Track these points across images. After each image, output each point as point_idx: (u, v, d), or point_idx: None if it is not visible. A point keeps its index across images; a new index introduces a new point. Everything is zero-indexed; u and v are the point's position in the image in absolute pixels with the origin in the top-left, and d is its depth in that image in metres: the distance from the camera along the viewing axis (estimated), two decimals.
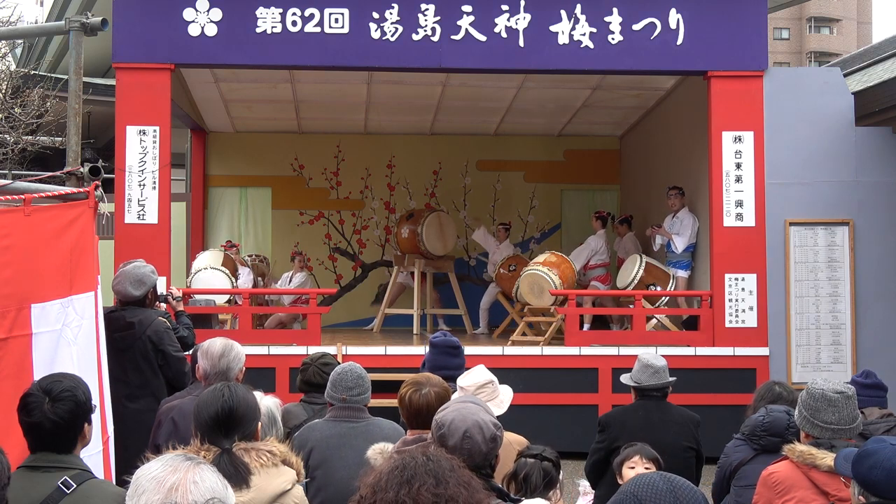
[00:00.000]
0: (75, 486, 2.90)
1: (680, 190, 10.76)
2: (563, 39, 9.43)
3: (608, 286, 11.58)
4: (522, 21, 9.39)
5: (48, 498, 2.87)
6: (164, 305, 6.16)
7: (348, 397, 4.30)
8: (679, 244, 10.54)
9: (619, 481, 4.55)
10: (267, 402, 3.85)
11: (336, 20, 9.29)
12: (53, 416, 3.00)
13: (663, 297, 10.26)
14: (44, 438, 3.01)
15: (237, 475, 2.98)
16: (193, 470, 1.96)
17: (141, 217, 9.10)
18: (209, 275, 10.73)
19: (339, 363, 4.97)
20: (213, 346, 4.28)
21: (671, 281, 10.39)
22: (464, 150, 14.30)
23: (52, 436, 3.00)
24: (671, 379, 5.23)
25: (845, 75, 10.60)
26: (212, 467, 2.00)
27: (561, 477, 3.93)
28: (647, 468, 4.42)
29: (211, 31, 9.22)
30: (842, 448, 3.53)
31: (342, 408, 4.30)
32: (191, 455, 2.07)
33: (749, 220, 9.46)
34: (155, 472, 1.95)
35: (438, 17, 9.34)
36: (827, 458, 3.53)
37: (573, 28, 9.43)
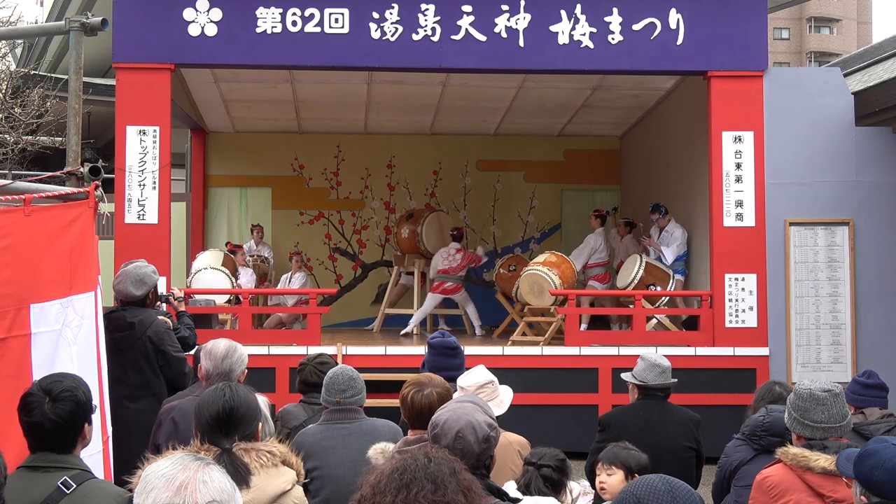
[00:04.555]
0: (75, 486, 2.90)
1: (659, 208, 10.83)
2: (563, 39, 9.43)
3: (606, 285, 11.59)
4: (522, 21, 9.38)
5: (48, 498, 2.86)
6: (164, 306, 6.15)
7: (342, 400, 4.29)
8: (669, 256, 10.59)
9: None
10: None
11: (336, 20, 9.29)
12: (54, 416, 3.00)
13: (663, 297, 10.26)
14: (44, 438, 3.01)
15: (237, 475, 2.97)
16: (203, 470, 1.96)
17: (141, 217, 9.09)
18: (209, 275, 10.73)
19: (335, 363, 4.97)
20: (216, 346, 4.28)
21: (671, 281, 10.39)
22: (464, 150, 14.30)
23: (52, 436, 3.00)
24: (674, 380, 5.24)
25: (845, 75, 10.60)
26: (221, 468, 2.00)
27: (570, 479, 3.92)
28: (609, 475, 4.29)
29: (211, 31, 9.21)
30: (834, 447, 3.53)
31: (335, 410, 4.30)
32: (200, 455, 2.07)
33: (749, 220, 9.46)
34: (165, 470, 1.95)
35: (438, 17, 9.33)
36: (820, 460, 3.53)
37: (573, 28, 9.42)
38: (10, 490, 2.70)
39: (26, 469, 2.97)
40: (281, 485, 3.18)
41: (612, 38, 9.44)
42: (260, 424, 3.34)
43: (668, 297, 10.32)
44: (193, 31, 9.20)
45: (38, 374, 4.00)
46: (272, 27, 9.25)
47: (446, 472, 2.20)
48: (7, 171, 14.25)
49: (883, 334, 9.54)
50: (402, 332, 11.68)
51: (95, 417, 4.52)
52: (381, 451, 3.63)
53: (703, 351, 9.41)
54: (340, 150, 14.29)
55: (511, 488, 3.62)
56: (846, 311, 9.56)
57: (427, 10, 9.33)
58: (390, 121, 13.57)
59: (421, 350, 8.57)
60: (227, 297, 10.70)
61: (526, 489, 3.73)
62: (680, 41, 9.47)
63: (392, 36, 9.32)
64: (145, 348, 5.50)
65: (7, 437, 3.36)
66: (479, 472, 2.89)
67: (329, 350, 8.87)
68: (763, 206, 9.47)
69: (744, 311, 9.41)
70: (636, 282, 10.24)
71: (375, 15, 9.31)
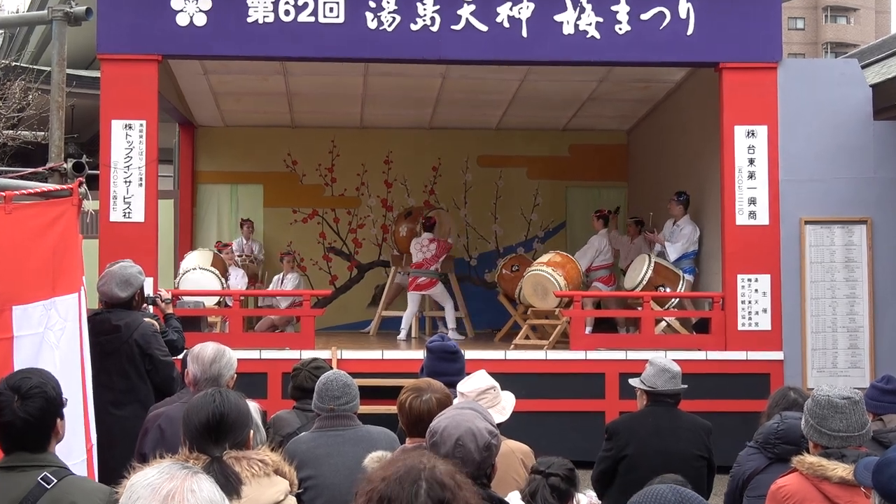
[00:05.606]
0: (56, 481, 2.96)
1: (680, 196, 10.78)
2: (568, 30, 9.43)
3: (612, 287, 11.59)
4: (525, 10, 9.38)
5: (29, 494, 2.92)
6: (151, 308, 6.16)
7: (336, 407, 4.29)
8: (671, 253, 10.54)
9: None
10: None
11: (331, 9, 9.29)
12: (24, 413, 3.04)
13: (673, 299, 10.26)
14: (16, 438, 3.06)
15: (228, 485, 2.98)
16: (191, 479, 1.97)
17: (127, 215, 9.09)
18: (198, 275, 10.74)
19: (330, 368, 4.97)
20: (204, 350, 4.28)
21: (681, 282, 10.37)
22: (464, 145, 14.30)
23: (23, 434, 3.05)
24: (684, 386, 5.24)
25: (863, 67, 10.59)
26: (209, 477, 2.01)
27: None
28: None
29: (200, 20, 9.21)
30: (852, 456, 3.53)
31: (329, 417, 4.30)
32: (188, 464, 2.08)
33: (763, 219, 9.46)
34: (151, 478, 1.96)
35: (438, 7, 9.33)
36: (838, 470, 3.53)
37: (578, 18, 9.42)
38: None
39: (3, 470, 3.03)
40: (273, 495, 3.18)
41: (620, 29, 9.44)
42: (251, 432, 3.34)
43: (678, 299, 10.31)
44: (182, 20, 9.20)
45: None
46: (264, 17, 9.25)
47: (450, 485, 2.21)
48: None
49: None
50: (398, 337, 11.68)
51: (79, 425, 4.53)
52: (377, 460, 3.62)
53: (714, 355, 9.41)
54: (335, 146, 14.28)
55: (515, 499, 3.63)
56: (864, 314, 9.55)
57: None
58: (387, 114, 13.57)
59: (419, 354, 8.58)
60: (216, 298, 10.70)
61: (531, 498, 3.73)
62: (690, 31, 9.47)
63: (389, 26, 9.31)
64: (131, 352, 5.50)
65: None
66: (479, 481, 2.89)
67: (323, 354, 8.86)
68: (777, 204, 9.47)
69: (757, 313, 9.41)
70: (645, 283, 10.23)
71: (372, 4, 9.30)
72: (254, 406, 3.91)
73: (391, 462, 2.28)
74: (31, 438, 3.06)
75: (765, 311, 9.41)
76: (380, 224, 14.35)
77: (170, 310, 6.33)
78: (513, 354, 9.64)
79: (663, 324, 10.21)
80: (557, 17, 9.43)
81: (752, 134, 9.51)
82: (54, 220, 4.72)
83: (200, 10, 9.21)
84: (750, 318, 9.42)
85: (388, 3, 9.30)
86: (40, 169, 5.39)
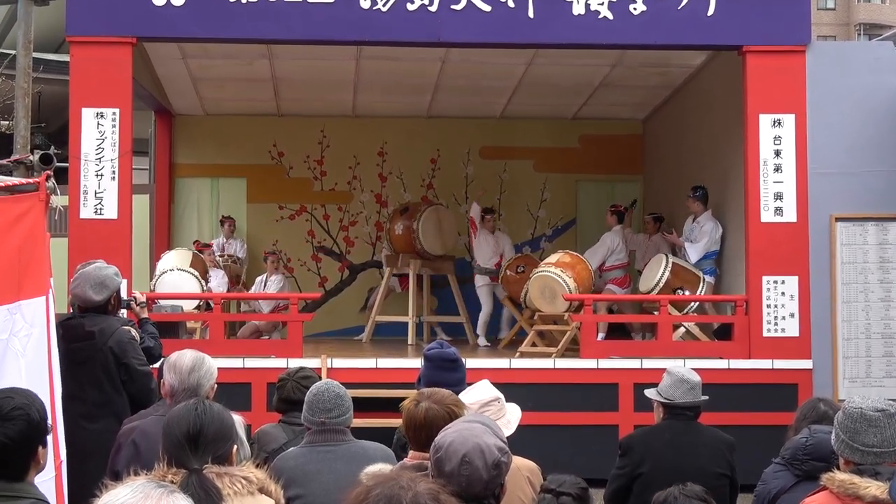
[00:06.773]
0: None
1: (696, 191, 10.77)
2: (578, 10, 9.43)
3: (627, 290, 11.59)
4: None
5: None
6: (125, 312, 6.16)
7: (327, 420, 4.29)
8: (692, 254, 10.52)
9: None
10: None
11: None
12: (3, 437, 3.01)
13: (692, 303, 10.26)
14: None
15: (208, 499, 2.99)
16: (167, 498, 1.98)
17: (98, 211, 9.09)
18: (176, 277, 10.75)
19: (319, 377, 4.98)
20: (181, 359, 4.29)
21: (701, 284, 10.37)
22: (465, 135, 14.30)
23: (1, 461, 3.00)
24: (705, 397, 5.25)
25: None
26: (186, 496, 2.02)
27: None
28: None
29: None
30: (886, 473, 3.54)
31: (320, 431, 4.31)
32: (164, 482, 2.08)
33: (790, 215, 9.46)
34: (124, 498, 1.97)
35: None
36: (871, 488, 3.53)
37: None
38: None
39: None
40: None
41: (634, 9, 9.44)
42: (235, 447, 3.35)
43: (697, 303, 10.32)
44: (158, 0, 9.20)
45: None
46: None
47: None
48: None
49: None
50: (479, 342, 12.12)
51: (48, 439, 4.52)
52: (373, 476, 3.62)
53: (737, 364, 9.41)
54: (325, 136, 14.29)
55: None
56: None
57: None
58: (382, 102, 13.58)
59: (416, 363, 8.58)
60: (195, 302, 10.71)
61: None
62: (711, 11, 9.47)
63: (384, 5, 9.31)
64: (106, 361, 5.50)
65: None
66: (486, 501, 2.90)
67: (312, 363, 8.87)
68: (805, 199, 9.47)
69: (784, 318, 9.41)
70: (661, 285, 10.23)
71: None
72: (238, 420, 3.92)
73: (368, 489, 2.28)
74: (9, 465, 3.01)
75: (792, 315, 9.42)
76: (373, 221, 14.36)
77: (145, 314, 6.33)
78: (518, 363, 9.65)
79: (682, 330, 10.21)
80: None
81: (779, 123, 9.52)
82: (20, 216, 4.72)
83: None
84: (776, 324, 9.42)
85: None
86: (5, 161, 5.41)
